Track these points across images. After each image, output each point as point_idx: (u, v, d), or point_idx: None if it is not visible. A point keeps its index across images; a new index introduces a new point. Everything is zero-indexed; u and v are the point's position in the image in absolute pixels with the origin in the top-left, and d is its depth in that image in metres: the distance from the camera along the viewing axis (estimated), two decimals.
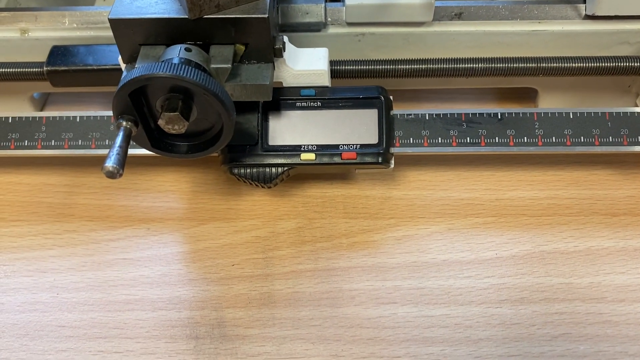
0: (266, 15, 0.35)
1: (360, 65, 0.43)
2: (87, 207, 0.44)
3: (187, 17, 0.35)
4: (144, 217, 0.44)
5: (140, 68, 0.32)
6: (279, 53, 0.38)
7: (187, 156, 0.36)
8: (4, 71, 0.44)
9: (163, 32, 0.36)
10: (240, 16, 0.35)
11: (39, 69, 0.43)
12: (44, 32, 0.44)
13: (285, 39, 0.39)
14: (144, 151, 0.38)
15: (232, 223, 0.43)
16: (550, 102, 0.48)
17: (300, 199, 0.44)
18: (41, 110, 0.51)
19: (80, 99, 0.52)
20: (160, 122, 0.33)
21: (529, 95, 0.50)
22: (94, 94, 0.52)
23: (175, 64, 0.32)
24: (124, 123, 0.33)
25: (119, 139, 0.32)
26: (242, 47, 0.37)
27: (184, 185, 0.46)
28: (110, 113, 0.42)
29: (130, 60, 0.38)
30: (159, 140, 0.36)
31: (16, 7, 0.46)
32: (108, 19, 0.35)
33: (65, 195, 0.45)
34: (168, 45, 0.37)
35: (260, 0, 0.36)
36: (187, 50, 0.35)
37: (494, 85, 0.49)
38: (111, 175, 0.31)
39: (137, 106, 0.34)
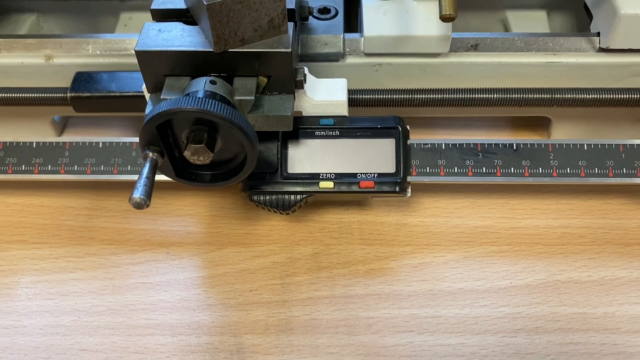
0: (289, 50, 0.36)
1: (378, 95, 0.44)
2: (107, 231, 0.45)
3: (212, 50, 0.36)
4: (163, 241, 0.44)
5: (169, 102, 0.33)
6: (300, 85, 0.39)
7: (210, 185, 0.37)
8: (29, 96, 0.45)
9: (188, 64, 0.37)
10: (264, 50, 0.36)
11: (62, 95, 0.44)
12: (68, 59, 0.45)
13: (306, 70, 0.39)
14: (163, 176, 0.39)
15: (250, 248, 0.44)
16: (563, 131, 0.49)
17: (316, 224, 0.45)
18: (61, 133, 0.52)
19: (99, 122, 0.53)
20: (186, 154, 0.34)
21: (541, 124, 0.51)
22: (112, 118, 0.53)
23: (202, 98, 0.33)
24: (151, 154, 0.34)
25: (145, 170, 0.33)
26: (265, 79, 0.38)
27: (202, 209, 0.46)
28: (132, 139, 0.43)
29: (155, 90, 0.39)
30: (183, 170, 0.37)
31: (42, 34, 0.47)
32: (135, 50, 0.36)
33: (85, 219, 0.46)
34: (192, 76, 0.38)
35: (283, 35, 0.37)
36: (212, 82, 0.36)
37: (508, 114, 0.50)
38: (139, 206, 0.32)
39: (163, 137, 0.35)
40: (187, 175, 0.37)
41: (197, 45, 0.37)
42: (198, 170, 0.37)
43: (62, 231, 0.45)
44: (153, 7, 0.39)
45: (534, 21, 0.51)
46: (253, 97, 0.37)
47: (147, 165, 0.33)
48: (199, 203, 0.47)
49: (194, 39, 0.37)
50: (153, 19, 0.39)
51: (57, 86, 0.46)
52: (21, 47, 0.45)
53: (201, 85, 0.36)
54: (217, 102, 0.33)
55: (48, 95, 0.45)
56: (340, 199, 0.45)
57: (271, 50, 0.36)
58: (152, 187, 0.33)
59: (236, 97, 0.37)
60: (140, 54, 0.36)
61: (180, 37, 0.37)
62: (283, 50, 0.36)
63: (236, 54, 0.36)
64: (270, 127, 0.38)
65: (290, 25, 0.37)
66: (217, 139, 0.35)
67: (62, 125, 0.52)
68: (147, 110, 0.37)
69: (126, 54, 0.45)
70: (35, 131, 0.50)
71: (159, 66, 0.37)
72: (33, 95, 0.45)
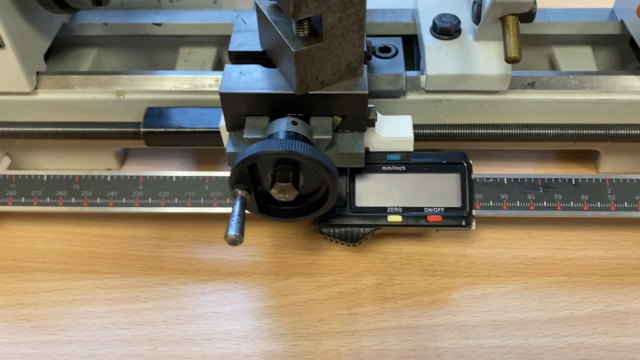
0: (366, 92, 0.38)
1: (439, 130, 0.46)
2: (175, 260, 0.47)
3: (292, 92, 0.38)
4: (231, 270, 0.46)
5: (260, 144, 0.35)
6: (372, 124, 0.40)
7: (291, 220, 0.39)
8: (104, 130, 0.47)
9: (268, 105, 0.39)
10: (342, 92, 0.38)
11: (135, 129, 0.46)
12: (138, 95, 0.47)
13: (376, 109, 0.41)
14: (228, 209, 0.40)
15: (314, 278, 0.45)
16: (611, 164, 0.51)
17: (377, 255, 0.47)
18: (123, 163, 0.54)
19: (158, 153, 0.54)
20: (273, 192, 0.36)
21: (589, 156, 0.53)
22: (170, 149, 0.54)
23: (291, 140, 0.35)
24: (240, 192, 0.35)
25: (237, 208, 0.35)
26: (339, 119, 0.40)
27: (266, 239, 0.48)
28: (204, 173, 0.45)
29: (233, 128, 0.40)
30: (265, 206, 0.39)
31: (113, 71, 0.49)
32: (219, 92, 0.38)
33: (154, 248, 0.47)
34: (271, 116, 0.39)
35: (359, 77, 0.39)
36: (294, 123, 0.38)
37: (561, 147, 0.51)
38: (234, 242, 0.33)
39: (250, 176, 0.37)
40: (270, 211, 0.39)
41: (277, 87, 0.38)
42: (280, 206, 0.39)
43: (132, 261, 0.47)
44: (231, 49, 0.41)
45: (580, 57, 0.53)
46: (330, 137, 0.39)
47: (238, 203, 0.35)
48: (263, 233, 0.48)
49: (273, 81, 0.39)
50: (230, 60, 0.41)
51: (127, 120, 0.48)
52: (94, 84, 0.47)
53: (283, 126, 0.38)
54: (305, 144, 0.35)
55: (121, 129, 0.46)
56: (403, 232, 0.47)
57: (349, 93, 0.38)
58: (244, 223, 0.34)
59: (315, 136, 0.38)
60: (224, 96, 0.38)
61: (261, 80, 0.39)
62: (360, 92, 0.38)
63: (316, 96, 0.38)
64: (343, 164, 0.40)
65: (365, 67, 0.39)
66: (300, 176, 0.37)
67: (124, 156, 0.54)
68: (229, 149, 0.39)
69: (195, 90, 0.47)
70: (99, 162, 0.52)
71: (241, 107, 0.39)
72: (107, 129, 0.47)
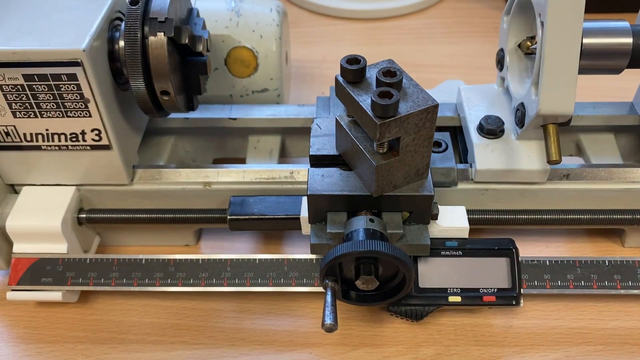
0: (432, 194, 0.45)
1: (486, 215, 0.52)
2: (254, 332, 0.53)
3: (369, 194, 0.45)
4: (305, 342, 0.52)
5: (348, 244, 0.41)
6: (435, 217, 0.47)
7: (370, 304, 0.45)
8: (192, 217, 0.53)
9: (348, 203, 0.46)
10: (412, 194, 0.45)
11: (221, 215, 0.53)
12: (223, 185, 0.54)
13: (437, 204, 0.48)
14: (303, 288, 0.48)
15: (379, 349, 0.51)
16: (636, 240, 0.57)
17: (434, 327, 0.53)
18: (198, 240, 0.60)
19: (229, 232, 0.61)
20: (357, 283, 0.42)
21: (615, 232, 0.59)
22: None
23: (373, 241, 0.41)
24: (330, 284, 0.42)
25: (329, 298, 0.41)
26: (407, 214, 0.46)
27: None
28: (283, 256, 0.51)
29: (315, 221, 0.47)
30: (347, 292, 0.45)
31: (201, 165, 0.56)
32: (307, 194, 0.45)
33: (234, 321, 0.53)
34: (348, 211, 0.46)
35: (425, 180, 0.46)
36: (371, 221, 0.44)
37: (591, 228, 0.58)
38: (330, 330, 0.39)
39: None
40: (352, 297, 0.45)
41: (356, 189, 0.45)
42: (360, 292, 0.45)
43: (216, 332, 0.53)
44: (311, 153, 0.48)
45: (604, 143, 0.60)
46: (402, 231, 0.45)
47: (329, 293, 0.41)
48: None
49: (351, 183, 0.46)
50: (310, 162, 0.48)
51: (210, 207, 0.54)
52: (183, 176, 0.54)
53: (362, 223, 0.44)
54: (385, 243, 0.41)
55: (209, 216, 0.53)
56: (458, 308, 0.53)
57: (417, 194, 0.45)
58: (336, 312, 0.40)
59: (388, 231, 0.45)
60: (311, 197, 0.45)
61: (341, 182, 0.46)
62: (427, 193, 0.45)
63: (389, 197, 0.45)
64: (410, 253, 0.47)
65: (429, 171, 0.46)
66: (380, 268, 0.43)
67: (199, 234, 0.61)
68: (313, 240, 0.46)
69: (273, 181, 0.54)
70: (178, 239, 0.59)
71: (323, 204, 0.46)
72: (196, 216, 0.53)
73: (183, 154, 0.64)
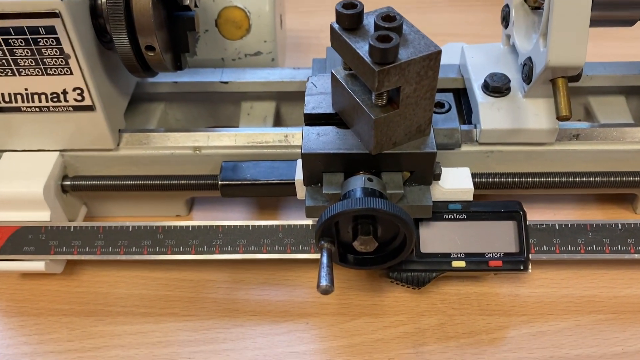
0: (435, 151, 0.42)
1: (492, 178, 0.50)
2: (249, 302, 0.50)
3: (367, 152, 0.42)
4: (301, 312, 0.49)
5: (346, 202, 0.39)
6: (437, 177, 0.44)
7: (369, 268, 0.42)
8: (181, 183, 0.51)
9: (345, 163, 0.43)
10: (414, 151, 0.42)
11: (212, 182, 0.50)
12: (214, 150, 0.51)
13: (440, 164, 0.45)
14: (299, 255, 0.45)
15: (379, 319, 0.49)
16: None
17: (437, 296, 0.50)
18: (190, 210, 0.58)
19: (223, 200, 0.58)
20: (355, 244, 0.40)
21: (627, 198, 0.56)
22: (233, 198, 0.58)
23: (371, 198, 0.39)
24: (326, 245, 0.39)
25: (325, 260, 0.38)
26: (408, 174, 0.44)
27: None
28: (278, 222, 0.49)
29: (310, 183, 0.44)
30: (344, 255, 0.42)
31: (190, 129, 0.53)
32: (302, 153, 0.42)
33: (227, 291, 0.51)
34: (345, 172, 0.43)
35: (427, 137, 0.43)
36: (369, 180, 0.42)
37: (602, 192, 0.55)
38: (326, 292, 0.37)
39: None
40: (349, 260, 0.42)
41: (353, 147, 0.42)
42: (358, 255, 0.43)
43: (208, 304, 0.50)
44: (306, 112, 0.45)
45: (615, 105, 0.57)
46: (402, 191, 0.42)
47: (325, 255, 0.39)
48: None
49: (349, 141, 0.43)
50: (305, 121, 0.45)
51: (201, 173, 0.52)
52: (172, 140, 0.51)
53: (360, 183, 0.41)
54: (384, 200, 0.39)
55: (199, 182, 0.50)
56: (461, 275, 0.50)
57: (420, 152, 0.42)
58: (332, 273, 0.38)
59: (388, 191, 0.42)
60: (305, 156, 0.42)
61: (337, 140, 0.43)
62: (430, 151, 0.42)
63: (389, 155, 0.42)
64: (413, 215, 0.44)
65: (432, 127, 0.43)
66: (379, 229, 0.41)
67: (191, 203, 0.58)
68: (308, 202, 0.43)
69: (266, 145, 0.51)
70: (169, 210, 0.56)
71: (319, 165, 0.43)
72: (185, 182, 0.51)
73: (174, 123, 0.61)
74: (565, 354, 0.46)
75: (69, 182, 0.52)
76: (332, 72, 0.43)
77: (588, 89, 0.57)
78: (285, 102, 0.59)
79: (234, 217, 0.57)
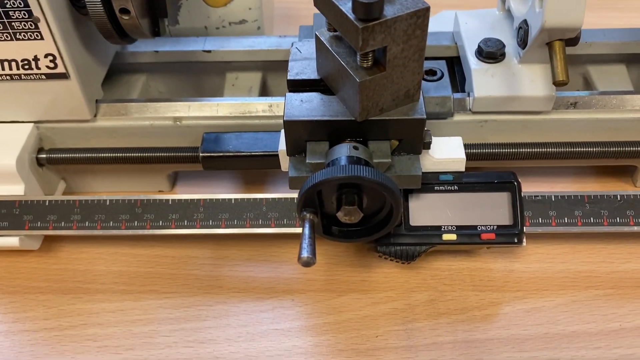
0: (424, 117, 0.40)
1: (486, 149, 0.47)
2: (233, 279, 0.48)
3: (353, 119, 0.40)
4: (287, 288, 0.47)
5: (329, 169, 0.36)
6: (427, 146, 0.42)
7: (354, 240, 0.40)
8: (162, 155, 0.49)
9: (329, 131, 0.41)
10: (402, 118, 0.40)
11: (193, 154, 0.48)
12: (195, 121, 0.49)
13: (430, 132, 0.43)
14: (284, 229, 0.43)
15: (368, 295, 0.47)
16: None
17: (428, 271, 0.48)
18: (173, 185, 0.56)
19: (206, 175, 0.56)
20: (339, 214, 0.38)
21: (626, 170, 0.54)
22: (217, 171, 0.56)
23: (356, 166, 0.36)
24: (309, 215, 0.37)
25: (307, 231, 0.36)
26: (396, 142, 0.41)
27: (318, 257, 0.49)
28: (261, 195, 0.47)
29: (294, 153, 0.42)
30: (329, 227, 0.40)
31: (171, 99, 0.51)
32: (284, 120, 0.40)
33: (210, 268, 0.49)
34: (330, 141, 0.41)
35: (416, 102, 0.41)
36: (355, 148, 0.39)
37: (601, 164, 0.53)
38: (307, 264, 0.35)
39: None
40: (334, 232, 0.40)
41: (338, 114, 0.40)
42: (343, 227, 0.40)
43: (190, 280, 0.48)
44: (289, 77, 0.43)
45: (615, 75, 0.55)
46: (389, 160, 0.40)
47: (307, 226, 0.37)
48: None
49: (333, 108, 0.41)
50: (288, 87, 0.43)
51: (183, 145, 0.49)
52: (152, 110, 0.49)
53: (345, 151, 0.39)
54: (370, 168, 0.37)
55: (180, 154, 0.48)
56: (453, 249, 0.48)
57: (407, 118, 0.40)
58: (314, 245, 0.36)
59: (375, 160, 0.40)
60: (287, 123, 0.40)
61: (322, 107, 0.41)
62: (419, 117, 0.40)
63: (375, 121, 0.40)
64: (400, 185, 0.42)
65: (421, 93, 0.41)
66: (364, 199, 0.39)
67: (174, 179, 0.56)
68: (291, 173, 0.41)
69: (249, 116, 0.49)
70: (151, 185, 0.54)
71: (302, 133, 0.41)
72: (166, 154, 0.49)
73: (156, 95, 0.59)
74: (561, 330, 0.44)
75: (44, 155, 0.49)
76: (315, 34, 0.40)
77: (587, 57, 0.54)
78: (271, 73, 0.57)
79: (218, 192, 0.55)
